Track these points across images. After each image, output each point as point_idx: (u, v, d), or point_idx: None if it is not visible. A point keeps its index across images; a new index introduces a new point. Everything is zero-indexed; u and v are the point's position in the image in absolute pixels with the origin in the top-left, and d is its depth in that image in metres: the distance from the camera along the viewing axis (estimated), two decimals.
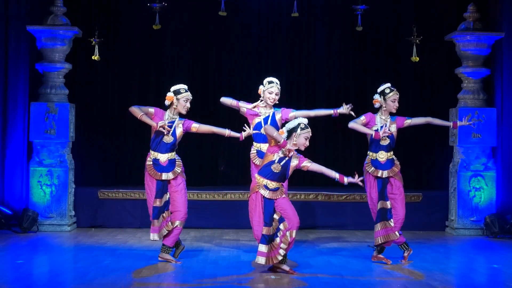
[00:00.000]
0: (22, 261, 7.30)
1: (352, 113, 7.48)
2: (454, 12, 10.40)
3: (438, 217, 10.05)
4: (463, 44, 9.81)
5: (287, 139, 6.69)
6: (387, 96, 7.47)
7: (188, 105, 7.34)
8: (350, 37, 10.96)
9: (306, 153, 11.10)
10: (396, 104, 7.49)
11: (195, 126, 7.36)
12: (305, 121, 6.79)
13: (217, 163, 11.16)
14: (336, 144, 11.13)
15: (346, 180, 6.74)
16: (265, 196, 6.74)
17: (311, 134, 6.75)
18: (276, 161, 6.72)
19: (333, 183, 10.67)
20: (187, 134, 10.60)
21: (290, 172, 6.79)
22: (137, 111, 7.14)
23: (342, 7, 10.75)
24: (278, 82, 7.79)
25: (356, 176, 6.71)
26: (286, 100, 11.03)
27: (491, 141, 9.79)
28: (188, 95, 7.35)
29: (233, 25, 11.04)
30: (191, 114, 10.90)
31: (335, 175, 6.75)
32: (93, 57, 9.95)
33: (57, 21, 9.62)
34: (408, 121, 7.61)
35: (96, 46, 9.94)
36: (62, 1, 9.75)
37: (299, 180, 11.10)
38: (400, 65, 10.91)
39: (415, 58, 9.99)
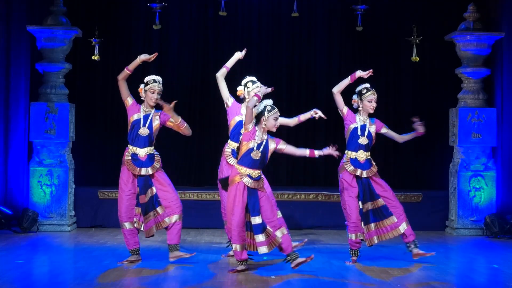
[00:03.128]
0: (22, 261, 7.30)
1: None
2: (454, 12, 10.40)
3: (438, 217, 10.05)
4: (463, 44, 9.81)
5: (256, 124, 6.77)
6: (363, 96, 7.40)
7: (155, 96, 7.19)
8: (350, 37, 10.96)
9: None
10: (374, 104, 7.37)
11: (172, 122, 7.20)
12: (270, 102, 6.82)
13: (217, 163, 11.13)
14: (336, 141, 11.11)
15: (317, 153, 6.84)
16: (249, 186, 6.72)
17: (279, 114, 6.79)
18: (255, 148, 6.73)
19: (333, 183, 10.77)
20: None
21: (268, 156, 6.81)
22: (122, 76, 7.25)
23: (342, 7, 10.75)
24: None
25: (330, 147, 6.75)
26: (286, 100, 11.08)
27: (491, 141, 9.79)
28: (154, 86, 7.21)
29: (233, 25, 11.03)
30: (191, 114, 10.98)
31: (305, 152, 6.87)
32: (93, 57, 9.96)
33: (57, 21, 9.63)
34: (385, 130, 7.48)
35: (96, 46, 9.94)
36: (62, 1, 9.76)
37: (299, 180, 11.12)
38: (400, 65, 10.91)
39: (415, 58, 10.00)
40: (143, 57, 7.20)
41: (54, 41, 9.59)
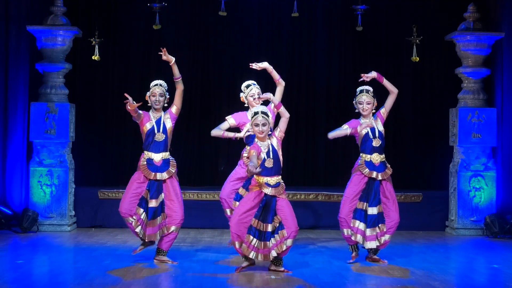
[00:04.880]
0: (22, 261, 7.30)
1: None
2: (454, 12, 10.40)
3: (438, 217, 10.05)
4: (463, 44, 9.81)
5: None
6: (356, 98, 7.43)
7: (157, 98, 7.22)
8: (350, 37, 10.96)
9: (307, 149, 11.18)
10: (365, 106, 7.33)
11: (173, 107, 7.27)
12: (256, 109, 6.84)
13: (217, 163, 11.16)
14: (336, 141, 11.11)
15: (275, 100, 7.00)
16: (268, 193, 6.74)
17: (260, 119, 6.75)
18: (266, 158, 6.76)
19: (333, 183, 10.78)
20: (186, 133, 10.55)
21: (280, 153, 6.81)
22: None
23: (342, 7, 10.76)
24: (255, 83, 7.76)
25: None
26: (286, 100, 11.05)
27: (491, 141, 9.79)
28: (155, 89, 7.24)
29: (233, 25, 11.03)
30: (191, 114, 10.98)
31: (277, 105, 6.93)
32: (93, 57, 9.96)
33: (57, 21, 9.62)
34: (383, 110, 7.44)
35: (96, 46, 9.94)
36: (62, 1, 9.75)
37: (299, 180, 11.11)
38: (400, 65, 10.90)
39: (415, 58, 10.00)
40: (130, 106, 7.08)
41: (54, 41, 9.58)
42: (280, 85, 7.60)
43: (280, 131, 6.85)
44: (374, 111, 7.44)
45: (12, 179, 9.66)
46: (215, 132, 7.67)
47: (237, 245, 6.77)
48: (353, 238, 7.33)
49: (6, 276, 6.56)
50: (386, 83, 7.43)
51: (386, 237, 7.32)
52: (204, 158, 11.10)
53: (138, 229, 7.13)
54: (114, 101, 10.92)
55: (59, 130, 9.57)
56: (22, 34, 9.67)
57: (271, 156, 6.78)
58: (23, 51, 9.74)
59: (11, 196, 9.65)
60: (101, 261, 7.29)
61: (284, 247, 6.75)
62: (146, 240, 7.21)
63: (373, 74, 7.39)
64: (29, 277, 6.71)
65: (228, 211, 7.86)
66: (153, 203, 7.15)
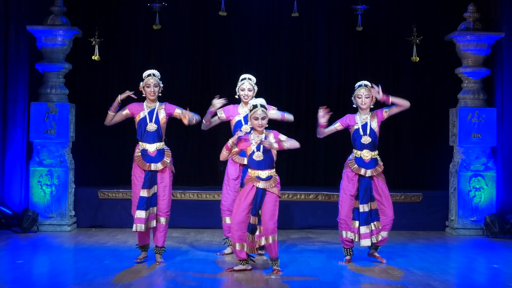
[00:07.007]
0: (22, 261, 7.30)
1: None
2: (454, 12, 10.40)
3: (438, 217, 10.05)
4: (463, 44, 9.81)
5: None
6: (355, 93, 7.42)
7: (151, 89, 7.21)
8: (350, 37, 10.96)
9: (307, 149, 11.17)
10: (364, 100, 7.33)
11: (178, 112, 7.27)
12: (255, 102, 6.81)
13: (217, 163, 11.13)
14: (336, 141, 11.13)
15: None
16: (259, 186, 6.75)
17: (260, 113, 6.73)
18: (255, 150, 6.76)
19: (333, 183, 10.77)
20: (186, 133, 10.53)
21: (274, 153, 6.78)
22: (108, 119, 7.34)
23: (342, 7, 10.75)
24: (252, 78, 7.72)
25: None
26: (286, 100, 11.07)
27: (491, 141, 9.78)
28: (149, 79, 7.23)
29: (233, 25, 11.03)
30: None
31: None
32: (93, 57, 9.96)
33: (57, 21, 9.62)
34: (386, 110, 7.39)
35: (96, 46, 9.94)
36: (62, 1, 9.75)
37: (299, 180, 11.12)
38: (400, 65, 10.90)
39: (415, 58, 10.00)
40: (121, 96, 7.21)
41: (54, 41, 9.58)
42: (288, 121, 7.77)
43: (282, 140, 6.75)
44: (372, 107, 7.44)
45: (12, 179, 9.65)
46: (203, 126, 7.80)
47: (238, 247, 6.76)
48: (353, 239, 7.32)
49: (6, 276, 6.56)
50: (394, 100, 7.29)
51: (384, 233, 7.33)
52: (204, 158, 11.09)
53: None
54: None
55: (59, 130, 9.57)
56: (22, 34, 9.67)
57: (261, 150, 6.76)
58: (23, 51, 9.73)
59: (11, 196, 9.65)
60: (101, 261, 7.29)
61: (263, 242, 6.69)
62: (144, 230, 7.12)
63: (380, 96, 7.28)
64: (29, 277, 6.71)
65: (227, 219, 7.75)
66: (144, 193, 7.08)
